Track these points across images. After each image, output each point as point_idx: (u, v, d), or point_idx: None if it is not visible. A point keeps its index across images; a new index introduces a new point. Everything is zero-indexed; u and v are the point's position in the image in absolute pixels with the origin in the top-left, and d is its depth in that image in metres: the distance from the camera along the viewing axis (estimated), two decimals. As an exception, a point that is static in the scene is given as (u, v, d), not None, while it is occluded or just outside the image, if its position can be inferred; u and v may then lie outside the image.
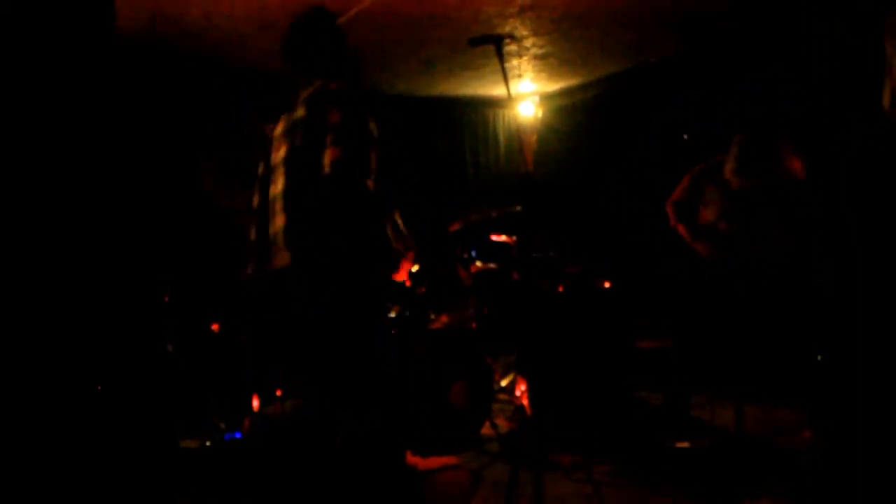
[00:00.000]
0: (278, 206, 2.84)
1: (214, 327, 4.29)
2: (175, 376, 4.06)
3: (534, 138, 7.46)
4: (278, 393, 4.03)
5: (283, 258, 2.80)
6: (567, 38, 5.44)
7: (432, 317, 4.40)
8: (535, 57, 5.89)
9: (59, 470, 2.12)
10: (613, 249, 6.14)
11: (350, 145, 2.69)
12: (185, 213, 4.82)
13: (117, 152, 2.49)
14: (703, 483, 3.35)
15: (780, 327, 4.21)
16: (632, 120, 6.42)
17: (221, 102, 5.88)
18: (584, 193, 6.85)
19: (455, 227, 4.67)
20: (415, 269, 4.17)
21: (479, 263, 4.81)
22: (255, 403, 4.01)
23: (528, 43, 5.49)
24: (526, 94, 7.25)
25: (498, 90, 6.91)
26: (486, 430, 4.16)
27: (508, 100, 7.30)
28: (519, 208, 4.62)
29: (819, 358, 3.97)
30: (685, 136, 4.47)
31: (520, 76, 6.47)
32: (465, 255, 4.80)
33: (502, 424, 4.30)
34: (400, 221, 3.65)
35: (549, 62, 6.07)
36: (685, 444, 3.81)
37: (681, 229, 4.11)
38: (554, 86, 6.94)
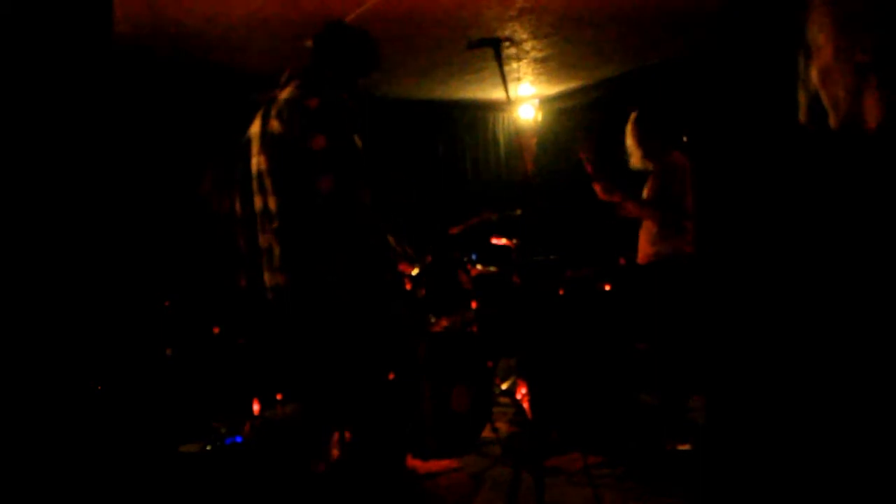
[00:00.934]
0: (268, 225, 2.78)
1: (215, 331, 4.29)
2: (175, 380, 4.06)
3: (534, 141, 7.46)
4: (279, 397, 4.03)
5: (277, 278, 2.77)
6: (566, 41, 5.44)
7: (433, 320, 4.40)
8: (535, 60, 5.90)
9: (57, 476, 2.12)
10: (613, 251, 6.13)
11: (341, 169, 2.66)
12: (183, 218, 4.82)
13: (116, 157, 2.49)
14: (703, 485, 3.35)
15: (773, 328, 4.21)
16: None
17: (218, 106, 5.88)
18: (584, 196, 6.84)
19: (455, 230, 4.67)
20: (414, 272, 4.17)
21: (479, 267, 4.81)
22: (256, 407, 4.01)
23: (527, 46, 5.50)
24: (526, 98, 7.25)
25: (497, 93, 6.91)
26: (487, 433, 4.16)
27: (508, 103, 7.29)
28: (519, 212, 4.62)
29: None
30: (685, 139, 4.46)
31: (519, 79, 6.47)
32: (466, 259, 4.81)
33: (503, 427, 4.30)
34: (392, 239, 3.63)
35: (549, 65, 6.07)
36: (686, 447, 3.80)
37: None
38: (553, 89, 6.94)
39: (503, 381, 4.78)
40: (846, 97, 1.26)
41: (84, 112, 2.21)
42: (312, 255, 2.69)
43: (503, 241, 4.73)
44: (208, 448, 3.63)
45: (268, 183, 2.78)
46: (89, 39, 2.21)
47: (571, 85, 6.81)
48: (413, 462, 3.83)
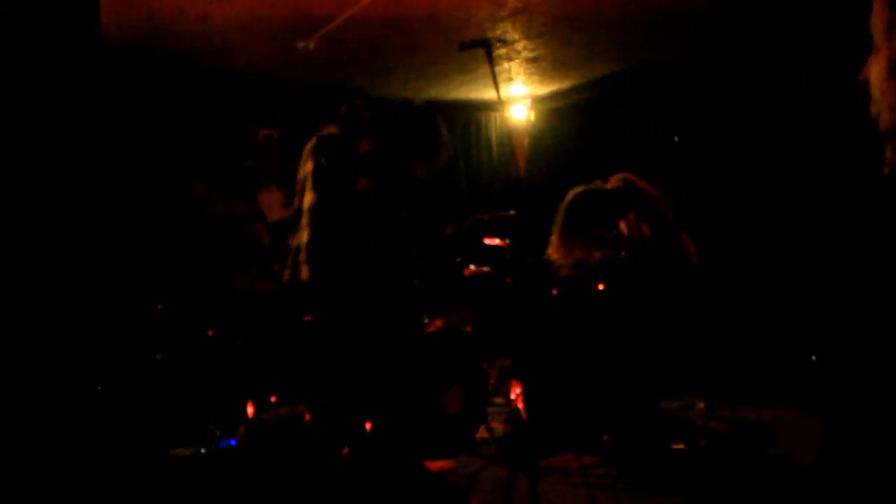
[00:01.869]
0: (304, 220, 3.00)
1: (209, 333, 4.27)
2: (169, 383, 4.04)
3: (526, 141, 7.47)
4: (273, 399, 4.02)
5: (305, 271, 2.95)
6: (558, 42, 5.44)
7: (427, 321, 4.40)
8: (527, 60, 5.90)
9: (50, 478, 2.11)
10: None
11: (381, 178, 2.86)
12: (177, 221, 4.80)
13: (108, 159, 2.48)
14: (700, 485, 3.36)
15: (769, 329, 4.24)
16: (624, 123, 6.43)
17: (212, 108, 5.86)
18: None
19: (448, 230, 4.66)
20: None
21: (472, 267, 4.80)
22: (250, 410, 4.00)
23: (518, 46, 5.50)
24: (518, 98, 7.25)
25: (489, 94, 6.91)
26: (481, 433, 4.16)
27: (500, 103, 7.29)
28: (512, 213, 4.62)
29: (813, 358, 3.99)
30: (676, 139, 4.48)
31: (511, 79, 6.47)
32: (458, 259, 4.79)
33: (498, 428, 4.30)
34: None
35: (541, 65, 6.07)
36: (681, 446, 3.81)
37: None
38: (545, 89, 6.94)
39: (498, 381, 4.78)
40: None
41: (76, 113, 2.20)
42: (338, 251, 2.85)
43: (496, 241, 4.72)
44: (202, 451, 3.62)
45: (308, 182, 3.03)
46: (78, 39, 2.20)
47: (563, 85, 6.81)
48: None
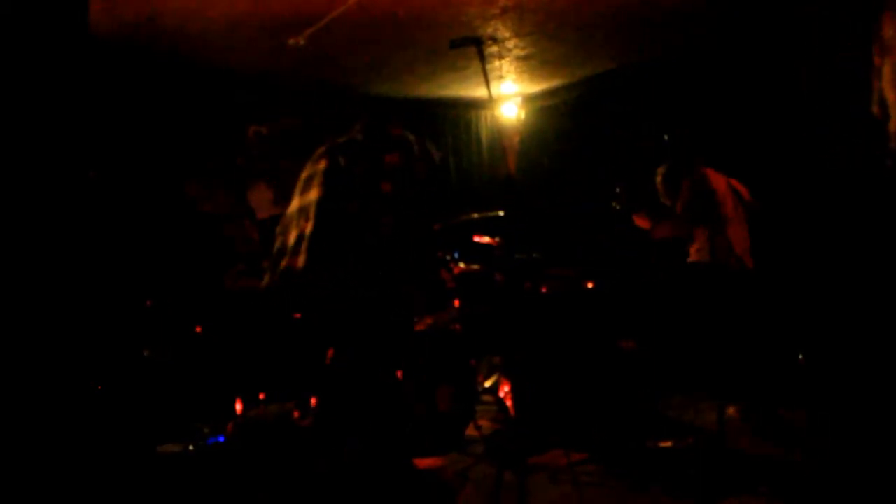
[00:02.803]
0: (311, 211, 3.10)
1: (197, 330, 4.26)
2: (157, 380, 4.03)
3: (516, 140, 7.47)
4: (261, 396, 4.02)
5: (296, 260, 3.05)
6: (549, 40, 5.45)
7: (416, 319, 4.40)
8: (518, 58, 5.90)
9: (35, 476, 2.10)
10: (596, 250, 6.16)
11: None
12: (167, 218, 4.78)
13: (98, 156, 2.48)
14: (686, 483, 3.37)
15: (756, 328, 4.26)
16: (614, 121, 6.44)
17: (202, 105, 5.84)
18: (567, 194, 6.86)
19: (438, 228, 4.66)
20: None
21: (462, 265, 4.81)
22: (239, 407, 3.99)
23: (510, 44, 5.50)
24: (508, 96, 7.25)
25: (480, 92, 6.91)
26: (470, 431, 4.16)
27: (490, 101, 7.29)
28: (501, 213, 4.63)
29: (800, 357, 4.01)
30: (666, 137, 4.50)
31: (502, 77, 6.48)
32: (448, 257, 4.80)
33: (486, 426, 4.30)
34: None
35: (532, 63, 6.08)
36: (668, 444, 3.83)
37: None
38: (536, 87, 6.95)
39: (486, 378, 4.78)
40: None
41: (65, 110, 2.19)
42: (338, 247, 2.95)
43: (486, 239, 4.73)
44: (190, 448, 3.61)
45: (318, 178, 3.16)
46: (65, 37, 2.19)
47: (554, 83, 6.82)
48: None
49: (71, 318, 2.22)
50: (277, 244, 3.19)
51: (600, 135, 6.58)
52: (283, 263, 3.13)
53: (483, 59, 3.06)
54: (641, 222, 4.78)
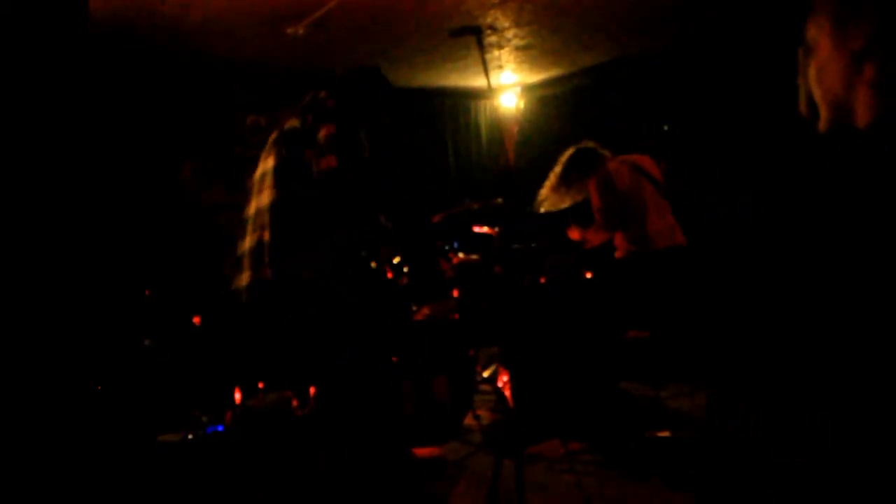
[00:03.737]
0: (263, 219, 2.91)
1: (196, 320, 4.27)
2: (156, 369, 4.04)
3: (515, 130, 7.46)
4: (261, 385, 4.02)
5: (262, 273, 2.88)
6: (549, 30, 5.44)
7: (414, 309, 4.40)
8: (517, 48, 5.89)
9: (36, 465, 2.11)
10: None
11: (343, 157, 2.77)
12: (165, 209, 4.78)
13: (95, 148, 2.47)
14: (685, 474, 3.38)
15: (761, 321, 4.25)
16: (614, 112, 6.43)
17: (200, 94, 5.83)
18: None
19: (437, 218, 4.66)
20: (396, 260, 4.16)
21: (460, 255, 4.81)
22: (238, 396, 4.00)
23: (509, 34, 5.49)
24: (508, 86, 7.24)
25: (479, 81, 6.90)
26: (468, 420, 4.17)
27: (489, 91, 7.28)
28: (500, 201, 4.62)
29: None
30: (665, 127, 4.49)
31: (501, 67, 6.47)
32: (447, 247, 4.80)
33: (485, 415, 4.31)
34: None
35: (531, 53, 6.06)
36: (666, 434, 3.84)
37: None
38: (535, 77, 6.94)
39: (485, 369, 4.79)
40: (839, 92, 1.26)
41: (62, 101, 2.18)
42: (298, 250, 2.78)
43: (484, 228, 4.73)
44: (189, 437, 3.62)
45: (268, 179, 2.95)
46: (65, 27, 2.18)
47: (553, 73, 6.81)
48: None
49: (71, 307, 2.22)
50: (237, 251, 3.02)
51: (600, 125, 6.56)
52: (245, 278, 2.95)
53: (482, 48, 3.04)
54: (573, 235, 4.72)
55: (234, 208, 5.41)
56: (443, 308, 4.54)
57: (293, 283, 2.80)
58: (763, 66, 5.08)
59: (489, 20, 5.11)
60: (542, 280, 4.58)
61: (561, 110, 7.06)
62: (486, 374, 4.78)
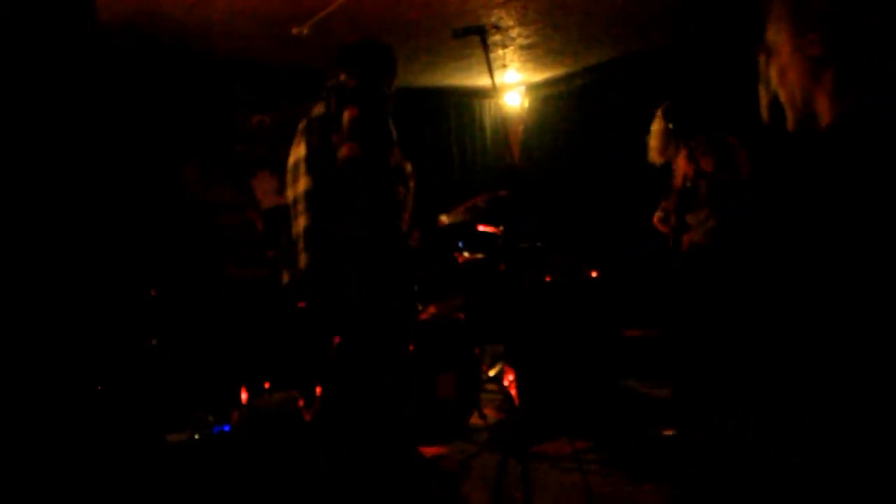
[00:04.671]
0: (300, 206, 2.94)
1: (202, 319, 4.28)
2: (162, 369, 4.05)
3: (520, 128, 7.46)
4: (267, 385, 4.03)
5: (303, 259, 2.92)
6: (553, 28, 5.43)
7: (420, 308, 4.41)
8: (521, 47, 5.88)
9: (44, 465, 2.11)
10: (600, 239, 6.15)
11: (366, 142, 2.77)
12: (168, 208, 4.79)
13: (98, 146, 2.47)
14: (690, 472, 3.38)
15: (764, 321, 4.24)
16: (618, 110, 6.42)
17: (204, 93, 5.83)
18: (571, 183, 6.86)
19: (448, 218, 4.66)
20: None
21: (466, 254, 4.81)
22: (244, 396, 4.01)
23: (513, 33, 5.48)
24: (512, 85, 7.24)
25: (484, 80, 6.89)
26: (474, 419, 4.18)
27: (494, 90, 7.27)
28: (504, 193, 4.61)
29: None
30: (670, 126, 4.47)
31: (505, 66, 6.46)
32: (453, 246, 4.80)
33: (490, 414, 4.32)
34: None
35: (535, 52, 6.06)
36: (670, 432, 3.83)
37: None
38: (540, 76, 6.93)
39: (490, 367, 4.80)
40: (800, 94, 1.27)
41: (66, 101, 2.19)
42: (334, 233, 2.84)
43: (490, 228, 4.73)
44: (196, 437, 3.63)
45: (301, 167, 2.96)
46: (70, 27, 2.19)
47: (557, 72, 6.80)
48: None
49: (76, 307, 2.22)
50: (292, 236, 3.06)
51: (604, 124, 6.56)
52: (303, 260, 2.97)
53: (486, 47, 3.04)
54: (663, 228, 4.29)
55: (238, 207, 5.44)
56: (448, 307, 4.55)
57: (327, 272, 2.83)
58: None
59: (493, 19, 5.11)
60: (547, 279, 4.59)
61: (565, 109, 7.05)
62: (491, 373, 4.78)
